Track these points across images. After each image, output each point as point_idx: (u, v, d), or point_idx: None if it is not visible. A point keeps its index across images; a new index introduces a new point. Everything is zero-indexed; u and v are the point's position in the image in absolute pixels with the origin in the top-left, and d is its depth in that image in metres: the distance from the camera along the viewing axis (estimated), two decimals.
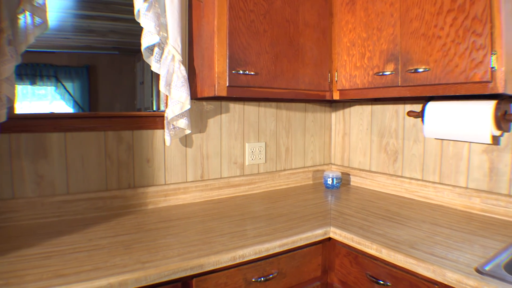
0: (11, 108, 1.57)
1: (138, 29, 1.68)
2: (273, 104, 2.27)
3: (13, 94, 1.49)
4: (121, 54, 2.67)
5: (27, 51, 1.53)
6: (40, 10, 1.53)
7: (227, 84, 1.64)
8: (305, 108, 2.43)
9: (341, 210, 1.81)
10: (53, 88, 2.68)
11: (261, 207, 1.86)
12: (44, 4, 1.54)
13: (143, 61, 2.21)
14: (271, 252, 1.39)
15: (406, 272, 1.29)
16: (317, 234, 1.52)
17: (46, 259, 1.23)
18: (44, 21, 1.55)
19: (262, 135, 2.24)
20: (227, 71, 1.63)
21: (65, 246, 1.34)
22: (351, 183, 2.40)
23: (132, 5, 1.66)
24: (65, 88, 2.69)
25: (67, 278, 1.09)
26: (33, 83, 2.59)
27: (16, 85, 1.50)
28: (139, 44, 1.67)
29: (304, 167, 2.44)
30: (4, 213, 1.57)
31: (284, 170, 2.35)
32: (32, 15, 1.53)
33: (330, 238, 1.59)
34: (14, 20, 1.49)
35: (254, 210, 1.82)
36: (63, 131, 1.68)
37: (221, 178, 2.09)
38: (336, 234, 1.54)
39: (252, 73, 1.70)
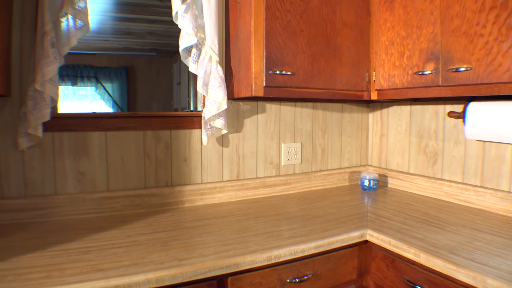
0: (54, 107, 1.63)
1: (175, 31, 1.71)
2: (310, 104, 2.26)
3: (57, 95, 1.55)
4: (159, 55, 2.72)
5: (69, 53, 1.58)
6: (81, 13, 1.58)
7: (264, 84, 1.64)
8: (342, 108, 2.40)
9: (378, 212, 1.77)
10: (93, 88, 2.76)
11: (296, 208, 1.85)
12: (86, 7, 1.58)
13: (180, 62, 2.24)
14: (306, 253, 1.38)
15: (445, 278, 1.25)
16: (353, 237, 1.50)
17: (86, 254, 1.27)
18: (86, 24, 1.60)
19: (298, 135, 2.22)
20: (264, 71, 1.64)
21: (104, 242, 1.38)
22: (389, 185, 2.35)
23: (169, 7, 1.69)
24: (104, 88, 2.77)
25: (106, 273, 1.12)
26: (74, 84, 2.68)
27: (59, 86, 1.56)
28: (176, 46, 1.69)
29: (340, 168, 2.41)
30: (46, 208, 1.64)
31: (320, 171, 2.33)
32: (74, 18, 1.58)
33: (366, 241, 1.56)
34: (57, 23, 1.55)
35: (289, 210, 1.81)
36: (104, 130, 1.73)
37: (256, 178, 2.09)
38: (373, 237, 1.51)
39: (289, 73, 1.69)
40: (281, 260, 1.33)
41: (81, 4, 1.58)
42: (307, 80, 1.75)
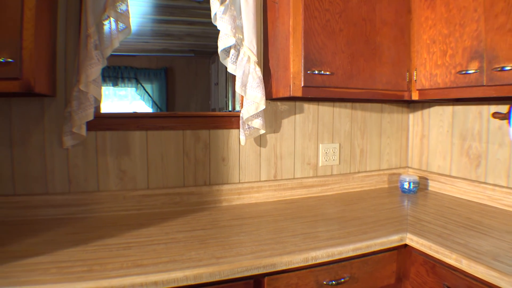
0: (97, 107, 1.68)
1: (213, 32, 1.73)
2: (348, 104, 2.23)
3: (100, 95, 1.60)
4: (197, 56, 2.75)
5: (110, 55, 1.63)
6: (123, 16, 1.62)
7: (302, 84, 1.63)
8: (382, 109, 2.35)
9: (418, 216, 1.73)
10: (133, 89, 2.83)
11: (334, 210, 1.83)
12: (127, 10, 1.63)
13: (218, 62, 2.26)
14: (344, 255, 1.36)
15: (487, 286, 1.20)
16: (392, 240, 1.47)
17: (126, 249, 1.30)
18: (127, 27, 1.64)
19: (336, 136, 2.20)
20: (303, 71, 1.63)
21: (144, 238, 1.41)
22: (429, 188, 2.28)
23: (208, 9, 1.71)
24: (144, 89, 2.82)
25: (145, 268, 1.14)
26: (115, 84, 2.75)
27: (101, 86, 1.61)
28: (214, 46, 1.71)
29: (379, 170, 2.36)
30: (89, 205, 1.69)
31: (358, 172, 2.29)
32: (116, 21, 1.62)
33: (406, 245, 1.52)
34: (99, 26, 1.59)
35: (327, 212, 1.79)
36: (145, 130, 1.78)
37: (294, 178, 2.08)
38: (413, 241, 1.47)
39: (328, 73, 1.67)
40: (318, 261, 1.32)
41: (123, 7, 1.62)
42: (346, 80, 1.73)
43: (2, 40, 1.26)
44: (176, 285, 1.12)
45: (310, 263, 1.30)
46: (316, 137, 2.14)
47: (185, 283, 1.13)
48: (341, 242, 1.39)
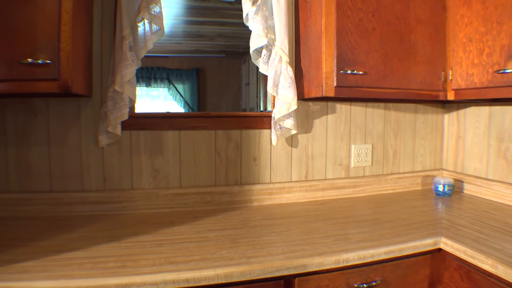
0: (131, 107, 1.72)
1: (244, 32, 1.73)
2: (381, 104, 2.19)
3: (134, 95, 1.63)
4: (228, 56, 2.77)
5: (144, 56, 1.67)
6: (157, 18, 1.65)
7: (335, 84, 1.62)
8: (416, 109, 2.30)
9: (453, 220, 1.68)
10: (165, 89, 2.87)
11: (366, 211, 1.81)
12: (161, 12, 1.65)
13: (248, 63, 2.27)
14: (376, 258, 1.34)
15: None
16: (426, 244, 1.43)
17: (158, 247, 1.32)
18: (161, 28, 1.67)
19: (369, 136, 2.17)
20: (335, 71, 1.61)
21: (176, 236, 1.43)
22: (464, 191, 2.22)
23: (239, 9, 1.72)
24: (176, 89, 2.86)
25: (177, 266, 1.16)
26: (148, 85, 2.80)
27: (136, 87, 1.64)
28: (245, 47, 1.72)
29: (412, 172, 2.31)
30: (123, 202, 1.73)
31: (391, 174, 2.25)
32: (150, 23, 1.65)
33: (440, 249, 1.48)
34: (134, 28, 1.63)
35: (358, 214, 1.77)
36: (178, 130, 1.80)
37: (325, 179, 2.07)
38: (447, 245, 1.43)
39: (361, 72, 1.65)
40: (349, 264, 1.30)
41: (156, 9, 1.65)
42: (380, 79, 1.70)
43: (40, 42, 1.30)
44: (207, 283, 1.13)
45: (341, 265, 1.29)
46: (348, 138, 2.11)
47: (216, 282, 1.14)
48: (373, 245, 1.36)
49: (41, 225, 1.55)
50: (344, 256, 1.29)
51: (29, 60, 1.28)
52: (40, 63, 1.29)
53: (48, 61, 1.30)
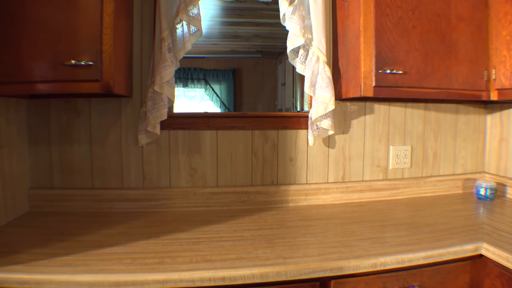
0: (170, 108, 1.75)
1: (280, 33, 1.73)
2: (421, 105, 2.13)
3: (173, 96, 1.66)
4: (264, 57, 2.77)
5: (182, 57, 1.70)
6: (195, 20, 1.68)
7: (374, 84, 1.59)
8: (457, 110, 2.23)
9: (495, 225, 1.61)
10: (202, 90, 2.91)
11: (404, 215, 1.77)
12: (198, 13, 1.68)
13: (285, 63, 2.26)
14: (414, 263, 1.30)
15: None
16: (466, 249, 1.38)
17: (195, 244, 1.34)
18: (199, 29, 1.69)
19: (408, 137, 2.12)
20: (374, 71, 1.59)
21: (212, 234, 1.45)
22: (507, 196, 2.13)
23: (276, 10, 1.72)
24: (212, 89, 2.90)
25: (214, 264, 1.17)
26: (185, 85, 2.84)
27: (175, 88, 1.67)
28: (281, 47, 1.72)
29: (453, 175, 2.24)
30: (161, 200, 1.78)
31: (431, 176, 2.19)
32: (188, 25, 1.68)
33: (481, 255, 1.42)
34: (173, 30, 1.66)
35: (396, 217, 1.73)
36: (215, 129, 1.83)
37: (362, 181, 2.03)
38: (489, 251, 1.37)
39: (400, 72, 1.62)
40: (386, 268, 1.27)
41: (194, 11, 1.68)
42: (420, 79, 1.66)
43: (83, 44, 1.35)
44: (242, 282, 1.14)
45: (378, 268, 1.26)
46: (386, 139, 2.07)
47: (251, 281, 1.14)
48: (411, 249, 1.33)
49: (82, 220, 1.60)
50: (382, 259, 1.26)
51: (73, 61, 1.33)
52: (83, 64, 1.34)
53: (91, 63, 1.35)
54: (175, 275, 1.11)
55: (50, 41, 1.33)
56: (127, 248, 1.30)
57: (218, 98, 2.90)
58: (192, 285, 1.11)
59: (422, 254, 1.31)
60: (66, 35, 1.34)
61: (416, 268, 1.34)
